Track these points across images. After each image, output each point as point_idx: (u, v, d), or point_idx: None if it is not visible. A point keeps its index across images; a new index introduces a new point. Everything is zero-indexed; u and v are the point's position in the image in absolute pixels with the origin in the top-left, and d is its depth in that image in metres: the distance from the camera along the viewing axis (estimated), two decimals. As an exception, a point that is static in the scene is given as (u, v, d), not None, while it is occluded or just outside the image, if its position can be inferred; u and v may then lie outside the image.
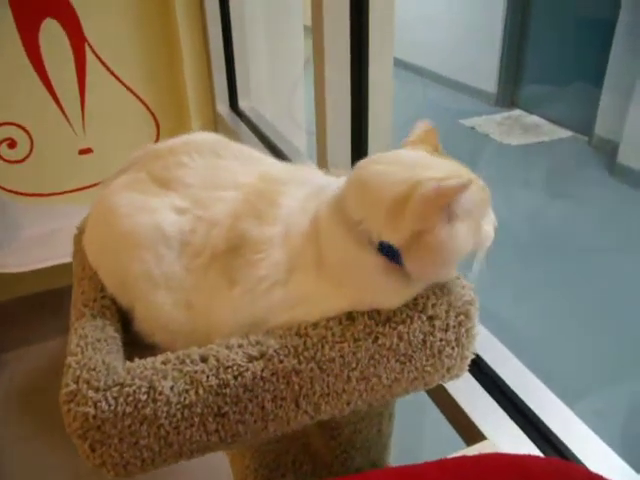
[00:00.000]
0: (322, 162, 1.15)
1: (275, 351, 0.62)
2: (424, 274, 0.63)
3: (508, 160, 4.20)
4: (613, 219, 3.12)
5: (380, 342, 0.65)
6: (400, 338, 0.65)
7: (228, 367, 0.61)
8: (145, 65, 2.09)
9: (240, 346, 0.63)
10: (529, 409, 0.75)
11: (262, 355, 0.62)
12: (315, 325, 0.65)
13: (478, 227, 0.62)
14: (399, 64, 5.48)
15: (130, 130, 2.19)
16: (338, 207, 0.63)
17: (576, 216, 3.14)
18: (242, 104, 2.06)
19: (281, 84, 2.12)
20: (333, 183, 0.69)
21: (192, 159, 0.72)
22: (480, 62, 4.98)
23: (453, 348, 0.69)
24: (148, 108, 2.18)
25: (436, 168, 0.61)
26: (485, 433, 0.74)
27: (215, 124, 2.15)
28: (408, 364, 0.67)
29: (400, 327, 0.65)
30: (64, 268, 1.12)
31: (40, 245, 2.05)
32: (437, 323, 0.67)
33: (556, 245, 2.85)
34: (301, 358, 0.62)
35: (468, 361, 0.72)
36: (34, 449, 1.69)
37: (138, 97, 2.14)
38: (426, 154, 0.65)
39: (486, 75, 4.94)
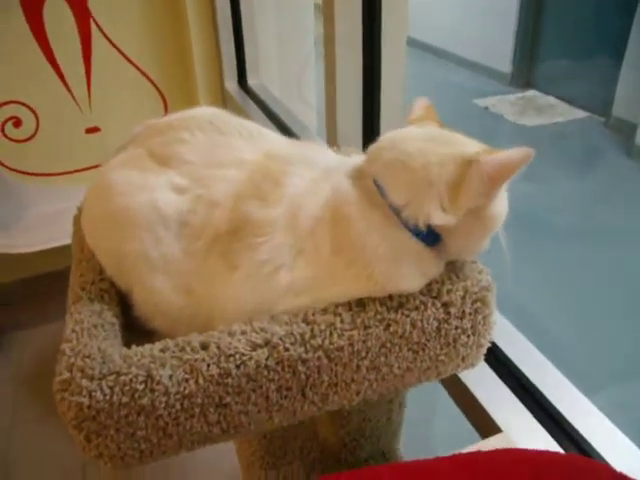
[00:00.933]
0: (332, 140, 1.11)
1: (280, 338, 0.59)
2: (468, 251, 0.63)
3: (522, 141, 4.12)
4: (631, 202, 3.05)
5: (392, 330, 0.61)
6: (413, 326, 0.61)
7: (230, 355, 0.58)
8: (152, 42, 2.04)
9: (243, 333, 0.59)
10: (547, 400, 0.71)
11: (266, 343, 0.59)
12: (323, 311, 0.61)
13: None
14: (414, 43, 5.39)
15: (138, 108, 2.14)
16: (367, 190, 0.59)
17: (593, 199, 3.07)
18: (251, 82, 2.01)
19: (291, 62, 2.07)
20: (344, 163, 0.65)
21: (193, 135, 0.68)
22: (495, 42, 4.87)
23: (469, 336, 0.65)
24: (155, 86, 2.13)
25: (467, 143, 0.59)
26: (501, 425, 0.70)
27: (223, 101, 2.10)
28: (421, 353, 0.63)
29: (413, 314, 0.61)
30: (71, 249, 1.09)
31: (47, 225, 2.03)
32: (452, 310, 0.63)
33: (572, 227, 2.78)
34: (308, 346, 0.59)
35: (484, 350, 0.68)
36: (43, 431, 1.68)
37: (145, 74, 2.09)
38: (444, 130, 0.61)
39: (501, 55, 4.83)
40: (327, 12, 0.98)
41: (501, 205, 0.59)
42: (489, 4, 4.92)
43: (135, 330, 0.68)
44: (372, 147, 0.62)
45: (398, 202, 0.58)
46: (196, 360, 0.57)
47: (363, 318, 0.60)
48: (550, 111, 4.43)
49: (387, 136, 0.62)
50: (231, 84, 2.00)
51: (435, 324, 0.62)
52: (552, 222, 2.82)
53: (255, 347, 0.58)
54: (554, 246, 2.65)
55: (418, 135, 0.60)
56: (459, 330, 0.64)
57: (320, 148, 0.71)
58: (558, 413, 0.70)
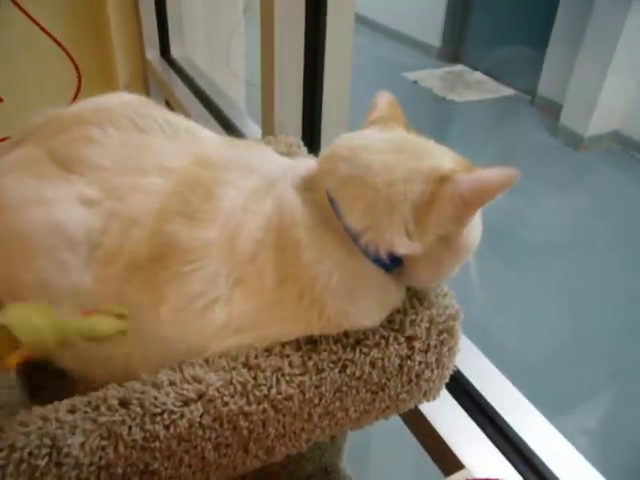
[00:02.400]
0: (268, 128, 0.99)
1: (217, 390, 0.49)
2: (433, 279, 0.55)
3: (451, 117, 4.13)
4: (554, 180, 3.11)
5: (349, 372, 0.52)
6: (373, 365, 0.53)
7: (157, 414, 0.47)
8: (62, 3, 1.82)
9: (172, 384, 0.49)
10: (513, 431, 0.66)
11: (200, 396, 0.48)
12: (268, 353, 0.51)
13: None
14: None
15: (47, 77, 1.91)
16: (319, 207, 0.49)
17: (522, 176, 3.11)
18: (175, 51, 1.84)
19: (218, 30, 1.91)
20: (290, 170, 0.54)
21: (105, 133, 0.55)
22: (425, 15, 4.82)
23: (433, 370, 0.57)
24: (68, 53, 1.91)
25: (440, 154, 0.50)
26: (462, 459, 0.64)
27: (145, 73, 1.92)
28: (381, 393, 0.55)
29: (373, 352, 0.53)
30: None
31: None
32: (417, 344, 0.55)
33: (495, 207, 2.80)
34: (251, 397, 0.49)
35: (446, 380, 0.61)
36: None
37: (54, 39, 1.87)
38: (411, 136, 0.52)
39: (431, 28, 4.79)
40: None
41: (474, 231, 0.51)
42: (420, -24, 4.86)
43: (44, 370, 0.57)
44: (326, 154, 0.52)
45: (356, 226, 0.48)
46: (114, 422, 0.46)
47: (315, 360, 0.51)
48: (478, 87, 4.45)
49: (345, 142, 0.52)
50: (153, 54, 1.82)
51: (397, 361, 0.54)
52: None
53: (187, 402, 0.48)
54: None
55: (382, 143, 0.50)
56: (423, 365, 0.56)
57: (262, 149, 0.61)
58: (525, 446, 0.64)
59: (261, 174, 0.54)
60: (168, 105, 1.81)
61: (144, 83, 1.93)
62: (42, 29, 1.83)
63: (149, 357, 0.52)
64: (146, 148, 0.55)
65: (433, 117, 4.07)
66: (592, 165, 3.42)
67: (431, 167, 0.48)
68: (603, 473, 0.63)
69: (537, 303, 2.21)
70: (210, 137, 0.60)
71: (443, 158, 0.49)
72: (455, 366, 0.64)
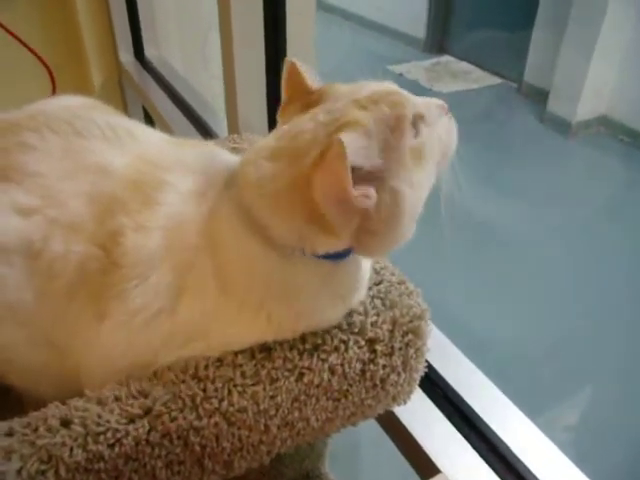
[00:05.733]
0: (233, 125, 0.96)
1: (164, 404, 0.46)
2: (392, 242, 0.48)
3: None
4: (543, 167, 3.08)
5: (306, 380, 0.49)
6: (332, 372, 0.50)
7: (100, 433, 0.44)
8: (31, 5, 1.78)
9: (117, 399, 0.46)
10: (492, 432, 0.63)
11: (147, 412, 0.46)
12: (219, 363, 0.49)
13: (432, 144, 0.47)
14: (325, 7, 5.21)
15: (19, 84, 1.87)
16: (244, 209, 0.46)
17: (506, 165, 3.09)
18: (149, 53, 1.80)
19: (193, 28, 1.87)
20: (230, 168, 0.51)
21: (43, 138, 0.52)
22: (408, 7, 4.78)
23: (399, 374, 0.55)
24: (39, 57, 1.88)
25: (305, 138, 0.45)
26: (438, 463, 0.61)
27: (119, 76, 1.88)
28: (343, 400, 0.53)
29: (332, 358, 0.50)
30: None
31: None
32: (379, 347, 0.52)
33: (486, 195, 2.76)
34: (201, 411, 0.47)
35: (417, 383, 0.59)
36: None
37: (25, 45, 1.83)
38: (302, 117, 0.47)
39: (415, 20, 4.75)
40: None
41: (408, 192, 0.44)
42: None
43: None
44: (246, 156, 0.49)
45: (275, 235, 0.45)
46: (55, 444, 0.44)
47: (268, 369, 0.49)
48: (465, 77, 4.42)
49: (255, 145, 0.49)
50: (126, 56, 1.78)
51: (359, 366, 0.52)
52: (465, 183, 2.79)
53: (132, 419, 0.45)
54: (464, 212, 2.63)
55: (270, 142, 0.47)
56: (388, 369, 0.53)
57: (209, 148, 0.58)
58: (505, 446, 0.61)
59: (203, 174, 0.51)
60: (144, 109, 1.78)
61: (119, 86, 1.90)
62: (12, 35, 1.80)
63: (95, 373, 0.49)
64: (85, 152, 0.52)
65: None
66: (580, 151, 3.39)
67: (298, 168, 0.44)
68: (589, 475, 0.61)
69: (522, 295, 2.17)
70: (154, 137, 0.57)
71: (307, 143, 0.44)
72: (430, 364, 0.62)
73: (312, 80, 0.50)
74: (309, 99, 0.49)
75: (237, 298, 0.47)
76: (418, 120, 0.47)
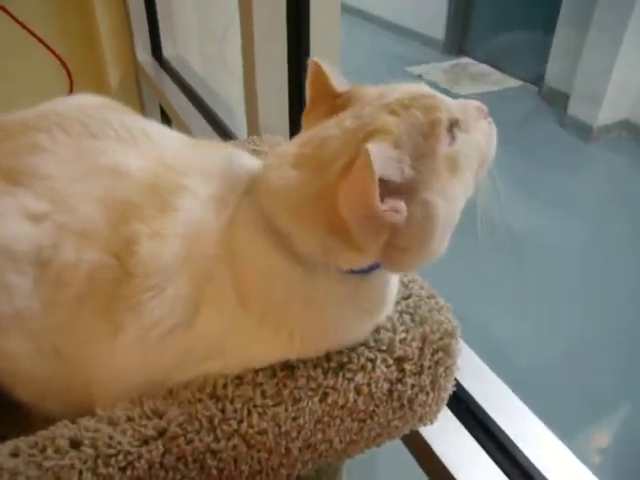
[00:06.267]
0: (253, 125, 0.93)
1: (180, 426, 0.43)
2: (410, 267, 0.47)
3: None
4: (564, 172, 3.02)
5: (330, 400, 0.46)
6: (358, 392, 0.47)
7: (111, 456, 0.42)
8: (50, 4, 1.77)
9: (130, 419, 0.44)
10: (520, 452, 0.59)
11: (161, 433, 0.43)
12: (239, 381, 0.46)
13: (469, 150, 0.44)
14: (344, 8, 5.18)
15: (37, 82, 1.87)
16: (265, 220, 0.43)
17: (527, 170, 3.03)
18: (167, 51, 1.78)
19: (211, 27, 1.85)
20: (251, 173, 0.48)
21: (54, 139, 0.50)
22: (428, 8, 4.73)
23: (428, 394, 0.51)
24: (57, 56, 1.87)
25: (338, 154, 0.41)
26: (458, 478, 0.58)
27: (137, 75, 1.86)
28: (369, 421, 0.49)
29: (358, 377, 0.47)
30: None
31: None
32: (408, 366, 0.49)
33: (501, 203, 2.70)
34: (219, 433, 0.44)
35: (445, 402, 0.55)
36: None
37: (43, 43, 1.82)
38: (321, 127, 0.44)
39: (434, 22, 4.70)
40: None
41: (441, 204, 0.41)
42: (421, -31, 4.77)
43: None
44: (268, 161, 0.46)
45: (299, 250, 0.42)
46: (63, 466, 0.41)
47: (291, 388, 0.46)
48: (484, 79, 4.37)
49: (273, 153, 0.46)
50: (144, 55, 1.76)
51: (386, 386, 0.48)
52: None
53: (146, 440, 0.43)
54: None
55: (293, 148, 0.44)
56: (416, 389, 0.50)
57: (227, 150, 0.55)
58: (533, 467, 0.58)
59: (223, 179, 0.48)
60: (161, 108, 1.76)
61: (136, 85, 1.88)
62: (31, 33, 1.79)
63: (107, 390, 0.47)
64: (99, 153, 0.50)
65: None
66: (602, 155, 3.33)
67: (320, 179, 0.41)
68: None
69: (550, 308, 2.11)
70: (171, 138, 0.54)
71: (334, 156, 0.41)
72: (455, 379, 0.59)
73: (338, 82, 0.47)
74: (335, 102, 0.46)
75: (257, 313, 0.44)
76: (453, 125, 0.43)
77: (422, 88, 0.45)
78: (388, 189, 0.38)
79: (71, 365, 0.47)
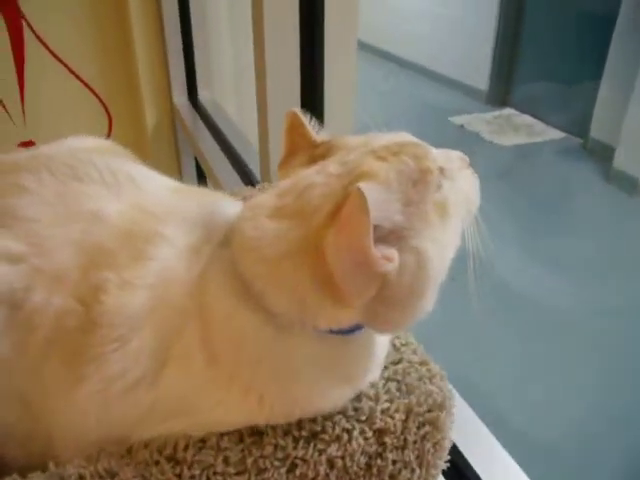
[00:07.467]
0: (266, 171, 0.92)
1: (132, 490, 0.40)
2: (407, 318, 0.42)
3: (499, 161, 3.99)
4: (609, 229, 2.91)
5: (299, 472, 0.43)
6: (331, 465, 0.43)
7: (54, 520, 0.39)
8: (93, 48, 1.84)
9: (81, 478, 0.41)
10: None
11: (111, 498, 0.40)
12: (202, 444, 0.43)
13: (457, 200, 0.42)
14: (387, 57, 5.25)
15: (78, 122, 1.94)
16: (238, 275, 0.41)
17: (571, 227, 2.93)
18: (202, 95, 1.82)
19: (247, 73, 1.88)
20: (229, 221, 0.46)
21: (39, 181, 0.49)
22: (472, 58, 4.75)
23: (413, 470, 0.47)
24: (98, 97, 1.94)
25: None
26: None
27: (172, 117, 1.91)
28: (344, 498, 0.45)
29: (331, 449, 0.43)
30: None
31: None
32: (389, 440, 0.45)
33: (550, 259, 2.61)
34: (173, 502, 0.40)
35: (437, 478, 0.50)
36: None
37: (86, 84, 1.89)
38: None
39: (478, 72, 4.71)
40: (256, 13, 0.78)
41: (422, 260, 0.38)
42: (467, 20, 4.82)
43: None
44: (242, 213, 0.44)
45: (271, 303, 0.40)
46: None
47: (256, 457, 0.42)
48: (527, 131, 4.32)
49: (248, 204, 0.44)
50: (180, 98, 1.80)
51: (364, 460, 0.44)
52: (526, 253, 2.64)
53: (94, 505, 0.40)
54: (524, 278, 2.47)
55: (270, 200, 0.42)
56: (399, 465, 0.46)
57: (214, 197, 0.53)
58: None
59: (202, 227, 0.46)
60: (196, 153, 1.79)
61: (172, 127, 1.92)
62: (73, 73, 1.86)
63: (68, 441, 0.44)
64: (81, 197, 0.48)
65: (480, 162, 3.92)
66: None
67: (306, 227, 0.39)
68: None
69: (574, 379, 1.97)
70: (156, 184, 0.53)
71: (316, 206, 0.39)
72: (455, 445, 0.54)
73: (316, 132, 0.45)
74: (313, 153, 0.44)
75: (226, 374, 0.41)
76: (440, 173, 0.41)
77: (407, 136, 0.43)
78: (378, 236, 0.36)
79: (35, 412, 0.45)
